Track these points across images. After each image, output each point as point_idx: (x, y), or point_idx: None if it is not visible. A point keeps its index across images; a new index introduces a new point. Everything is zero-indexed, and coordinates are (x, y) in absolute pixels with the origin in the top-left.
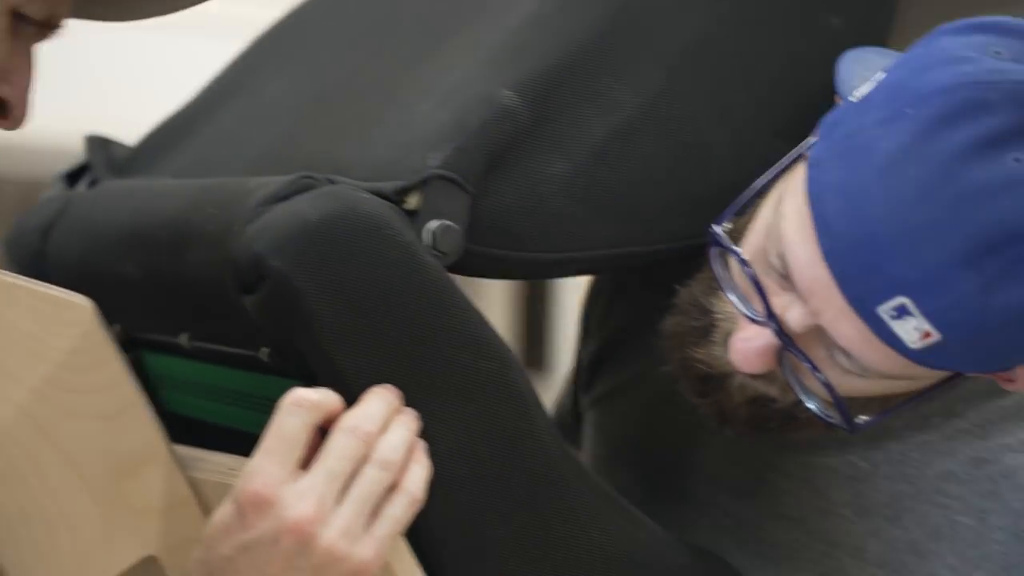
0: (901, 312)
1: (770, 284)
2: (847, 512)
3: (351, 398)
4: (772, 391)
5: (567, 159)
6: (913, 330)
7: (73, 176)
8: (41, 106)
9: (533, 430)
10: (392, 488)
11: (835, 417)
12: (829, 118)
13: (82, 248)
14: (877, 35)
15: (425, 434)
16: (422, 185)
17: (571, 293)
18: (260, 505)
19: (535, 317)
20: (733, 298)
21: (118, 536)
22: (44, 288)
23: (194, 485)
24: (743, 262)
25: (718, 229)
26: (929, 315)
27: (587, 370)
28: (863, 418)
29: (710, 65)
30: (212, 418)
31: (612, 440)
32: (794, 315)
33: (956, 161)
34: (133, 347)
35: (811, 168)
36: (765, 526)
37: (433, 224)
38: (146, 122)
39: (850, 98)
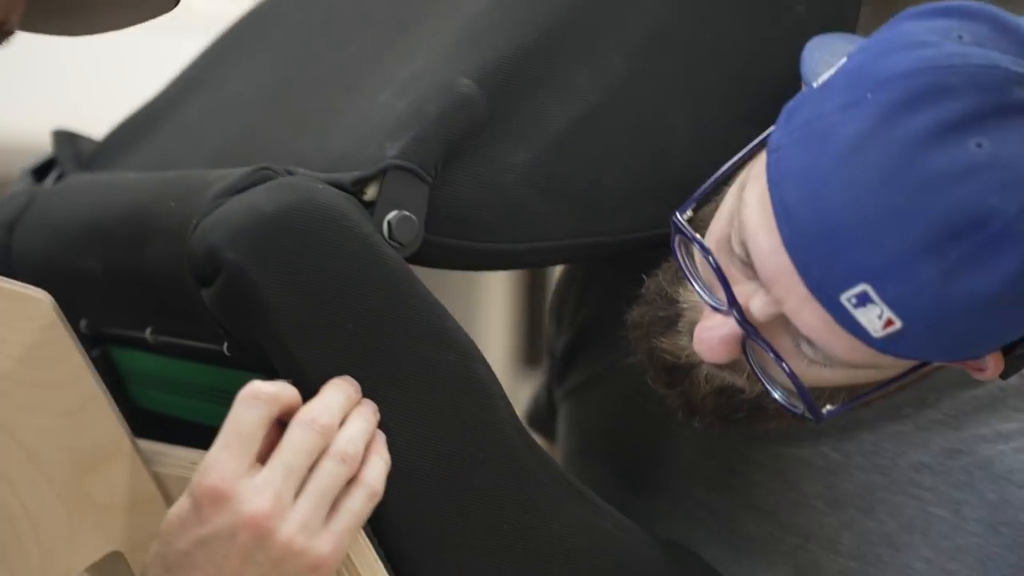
0: (863, 300)
1: (734, 272)
2: (820, 504)
3: (310, 390)
4: (739, 381)
5: (527, 148)
6: (875, 318)
7: (41, 171)
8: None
9: (495, 421)
10: (351, 481)
11: (800, 407)
12: (790, 104)
13: (45, 243)
14: (844, 22)
15: (384, 426)
16: (380, 175)
17: None
18: (216, 499)
19: (535, 312)
20: (697, 287)
21: (82, 532)
22: (2, 282)
23: (158, 480)
24: (705, 250)
25: (680, 217)
26: (891, 302)
27: (560, 362)
28: (829, 408)
29: (673, 53)
30: (181, 413)
31: (586, 433)
32: (757, 304)
33: (917, 146)
34: (101, 342)
35: (771, 154)
36: (738, 518)
37: (391, 215)
38: (117, 119)
39: (813, 84)
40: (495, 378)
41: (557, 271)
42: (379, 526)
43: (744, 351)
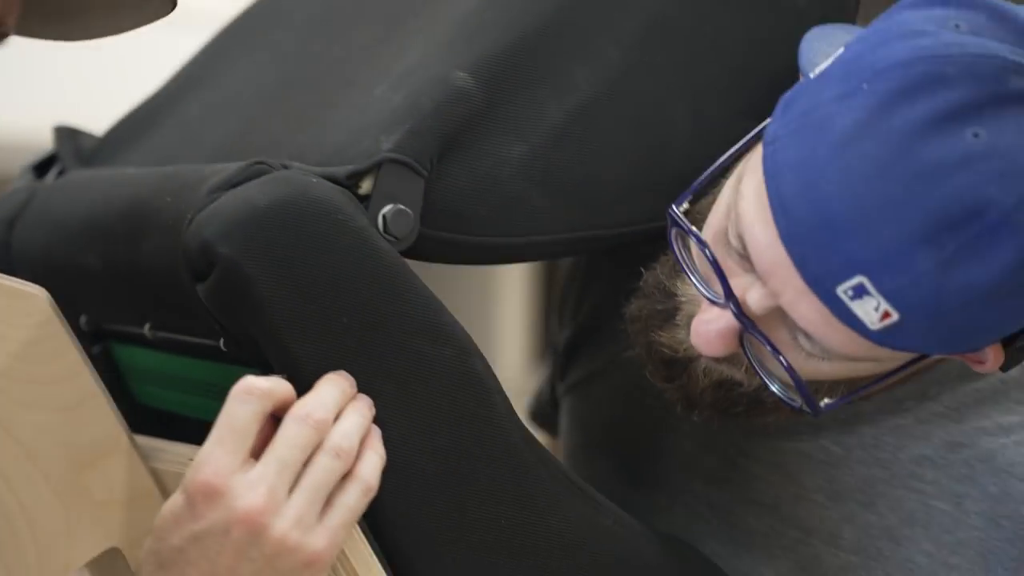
0: (859, 292)
1: (731, 265)
2: (820, 498)
3: (305, 385)
4: (737, 375)
5: (524, 141)
6: (872, 310)
7: (42, 167)
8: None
9: (492, 416)
10: (346, 476)
11: (798, 401)
12: (787, 95)
13: (45, 240)
14: (843, 12)
15: (380, 420)
16: (375, 169)
17: None
18: (210, 495)
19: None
20: (694, 280)
21: (79, 529)
22: None
23: (156, 476)
24: (701, 243)
25: (676, 210)
26: (887, 294)
27: (562, 357)
28: (827, 401)
29: (671, 45)
30: (181, 410)
31: (587, 428)
32: (754, 296)
33: (914, 136)
34: (102, 339)
35: (767, 146)
36: (738, 512)
37: (386, 208)
38: (117, 115)
39: (810, 75)
40: (492, 373)
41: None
42: (374, 521)
43: (742, 344)
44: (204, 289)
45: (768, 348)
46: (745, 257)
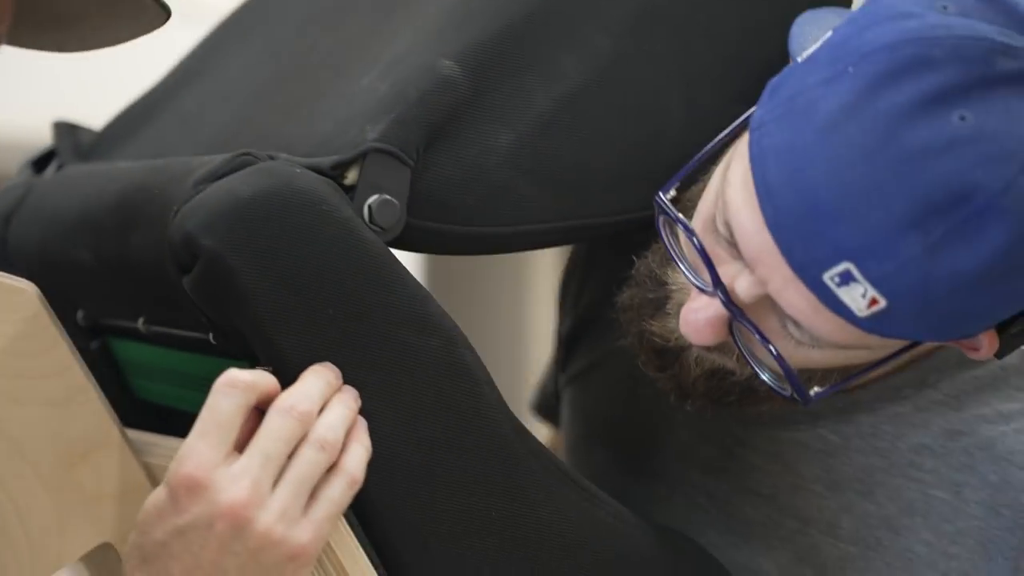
0: (846, 278)
1: (720, 253)
2: (818, 488)
3: (291, 377)
4: (729, 363)
5: (511, 130)
6: (860, 297)
7: (40, 163)
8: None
9: (480, 407)
10: (331, 468)
11: (788, 389)
12: (774, 80)
13: (40, 235)
14: None
15: (366, 412)
16: (360, 159)
17: None
18: (193, 489)
19: None
20: (683, 268)
21: (71, 524)
22: None
23: (148, 470)
24: (688, 231)
25: (663, 197)
26: (874, 281)
27: (564, 348)
28: (818, 390)
29: (661, 32)
30: (179, 404)
31: (587, 419)
32: (742, 284)
33: (900, 120)
34: (100, 334)
35: (753, 132)
36: (735, 503)
37: (372, 199)
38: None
39: (798, 59)
40: (482, 364)
41: None
42: (360, 512)
43: (732, 333)
44: (189, 282)
45: (757, 337)
46: (733, 244)
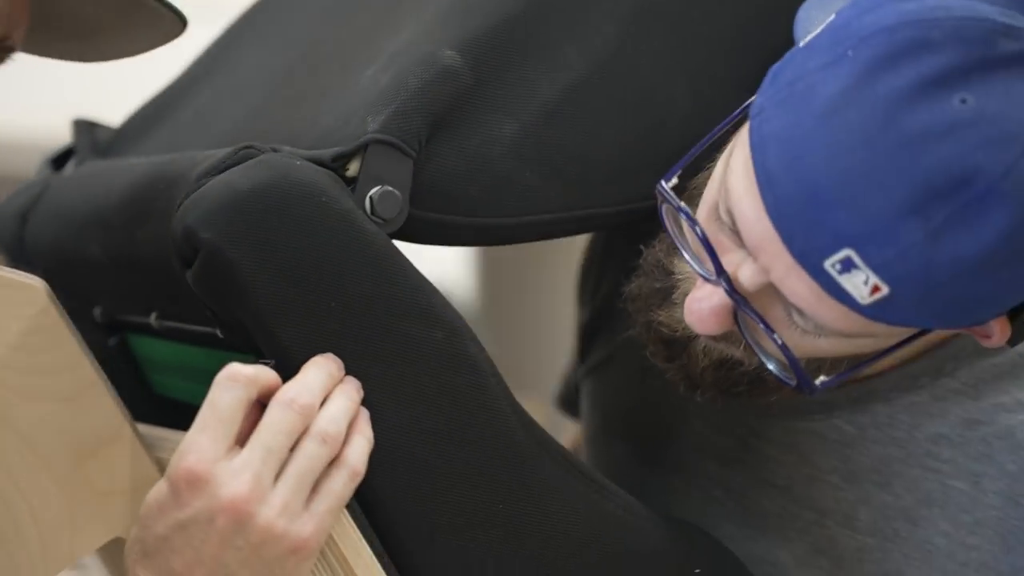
0: (847, 265)
1: (724, 241)
2: (835, 479)
3: (294, 370)
4: (737, 353)
5: (514, 120)
6: (861, 284)
7: (59, 160)
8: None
9: (485, 399)
10: (333, 460)
11: (794, 379)
12: (776, 65)
13: (54, 233)
14: None
15: (369, 404)
16: (361, 150)
17: None
18: (194, 483)
19: None
20: (687, 257)
21: (83, 519)
22: None
23: (160, 466)
24: (690, 219)
25: (664, 185)
26: (876, 267)
27: (582, 340)
28: (823, 379)
29: (667, 19)
30: (195, 399)
31: (605, 411)
32: (746, 273)
33: (899, 104)
34: (119, 330)
35: (753, 118)
36: (752, 495)
37: (374, 190)
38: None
39: (800, 44)
40: (487, 356)
41: None
42: (364, 504)
43: (737, 322)
44: (191, 275)
45: (761, 325)
46: (736, 232)
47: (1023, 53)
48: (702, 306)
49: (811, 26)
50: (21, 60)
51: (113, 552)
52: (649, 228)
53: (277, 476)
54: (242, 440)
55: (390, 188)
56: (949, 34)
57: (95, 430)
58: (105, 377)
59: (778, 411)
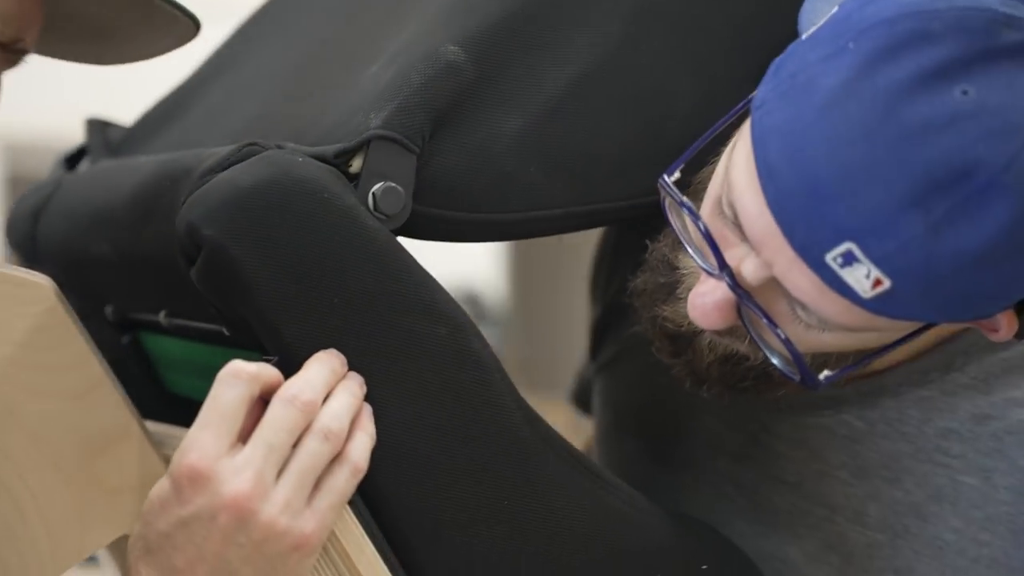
0: (848, 259)
1: (727, 235)
2: (844, 475)
3: (297, 366)
4: (742, 348)
5: (518, 115)
6: (863, 278)
7: (72, 160)
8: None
9: (489, 395)
10: (336, 457)
11: (797, 373)
12: (779, 58)
13: (65, 231)
14: None
15: (371, 400)
16: (364, 147)
17: None
18: (196, 480)
19: None
20: (690, 251)
21: (92, 516)
22: (3, 268)
23: (168, 462)
24: (692, 214)
25: (666, 180)
26: (877, 261)
27: (595, 337)
28: (827, 373)
29: (672, 13)
30: (204, 397)
31: (616, 407)
32: (748, 267)
33: (900, 96)
34: (131, 328)
35: (755, 111)
36: (762, 491)
37: (376, 186)
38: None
39: (803, 36)
40: (492, 352)
41: None
42: (367, 500)
43: (741, 317)
44: (195, 272)
45: (764, 320)
46: (739, 226)
47: None
48: (705, 301)
49: (815, 18)
50: (34, 63)
51: (122, 549)
52: (658, 224)
53: (279, 473)
54: (244, 437)
55: (393, 184)
56: (950, 25)
57: (103, 427)
58: (113, 375)
59: (787, 407)
